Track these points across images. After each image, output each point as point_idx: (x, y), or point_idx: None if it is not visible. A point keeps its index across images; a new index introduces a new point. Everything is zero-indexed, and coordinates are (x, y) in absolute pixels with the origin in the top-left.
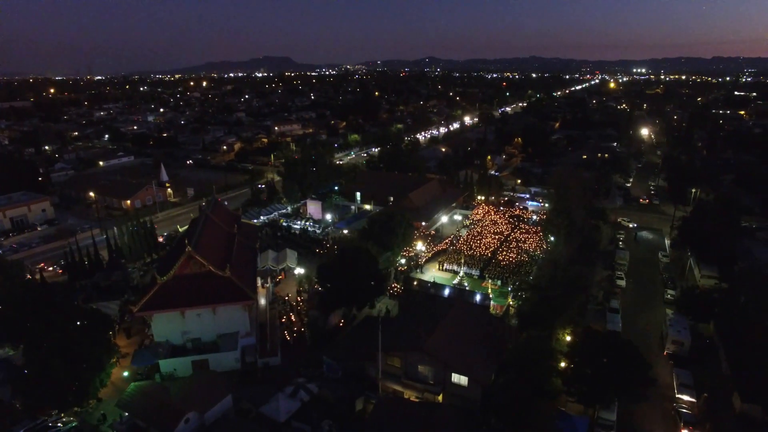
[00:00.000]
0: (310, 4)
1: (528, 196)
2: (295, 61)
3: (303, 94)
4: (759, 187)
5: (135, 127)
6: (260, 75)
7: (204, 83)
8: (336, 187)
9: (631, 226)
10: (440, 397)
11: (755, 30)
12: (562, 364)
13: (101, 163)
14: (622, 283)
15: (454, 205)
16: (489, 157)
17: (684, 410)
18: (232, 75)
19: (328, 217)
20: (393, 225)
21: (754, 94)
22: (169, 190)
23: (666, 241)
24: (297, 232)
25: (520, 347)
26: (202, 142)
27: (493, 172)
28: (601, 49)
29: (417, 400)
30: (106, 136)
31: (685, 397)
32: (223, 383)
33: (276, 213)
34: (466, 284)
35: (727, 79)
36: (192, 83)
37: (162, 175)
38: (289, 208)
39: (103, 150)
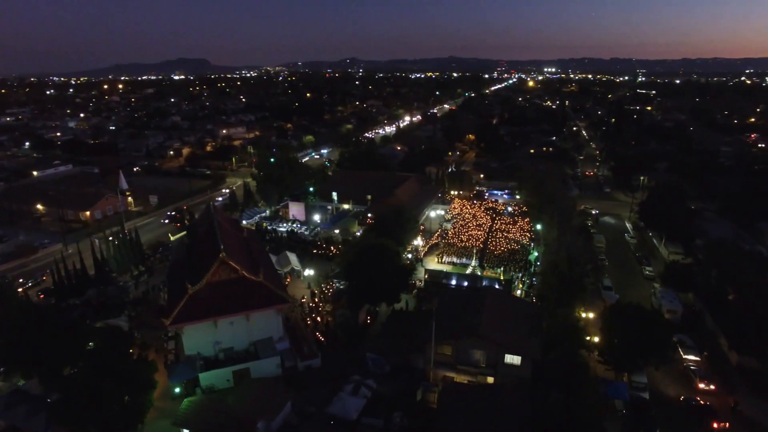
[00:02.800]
0: (226, 4)
1: (503, 190)
2: (213, 63)
3: (233, 97)
4: (690, 173)
5: (59, 134)
6: (177, 78)
7: (120, 86)
8: (311, 188)
9: (593, 212)
10: (491, 379)
11: (645, 35)
12: (595, 339)
13: (35, 173)
14: (606, 263)
15: (434, 200)
16: (450, 153)
17: (693, 368)
18: (145, 78)
19: (316, 217)
20: (402, 221)
21: (654, 92)
22: (129, 198)
23: (627, 225)
24: (284, 234)
25: (555, 325)
26: (146, 147)
27: (453, 168)
28: (514, 49)
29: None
30: (27, 143)
31: (691, 357)
32: (282, 389)
33: (257, 216)
34: (479, 273)
35: (626, 78)
36: (106, 86)
37: (121, 183)
38: (267, 211)
39: (33, 159)
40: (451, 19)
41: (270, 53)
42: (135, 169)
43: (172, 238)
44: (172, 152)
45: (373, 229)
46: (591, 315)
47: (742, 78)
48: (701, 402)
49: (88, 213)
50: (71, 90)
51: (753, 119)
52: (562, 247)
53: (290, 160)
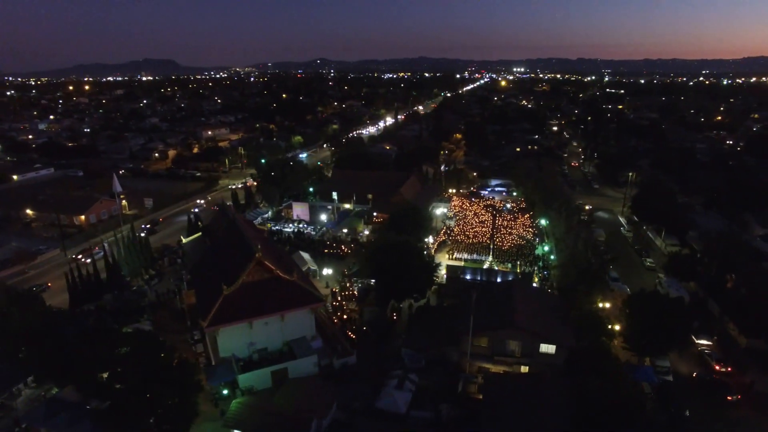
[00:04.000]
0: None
1: (499, 188)
2: (180, 63)
3: (207, 98)
4: (672, 170)
5: (30, 136)
6: (145, 79)
7: (86, 87)
8: (311, 188)
9: (587, 207)
10: (525, 368)
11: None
12: (616, 327)
13: (15, 177)
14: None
15: (436, 198)
16: (442, 152)
17: (707, 351)
18: (110, 79)
19: (323, 217)
20: (419, 218)
21: (622, 91)
22: (124, 201)
23: (621, 219)
24: (290, 235)
25: (579, 315)
26: (129, 150)
27: (444, 167)
28: (483, 49)
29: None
30: None
31: (703, 342)
32: (329, 387)
33: (260, 217)
34: (495, 267)
35: (593, 78)
36: (71, 87)
37: (115, 186)
38: (270, 212)
39: (9, 163)
40: (421, 20)
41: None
42: (120, 172)
43: (184, 240)
44: (156, 154)
45: (391, 227)
46: (608, 305)
47: (701, 78)
48: (715, 377)
49: (83, 217)
50: (33, 91)
51: (719, 117)
52: (579, 240)
53: (291, 161)
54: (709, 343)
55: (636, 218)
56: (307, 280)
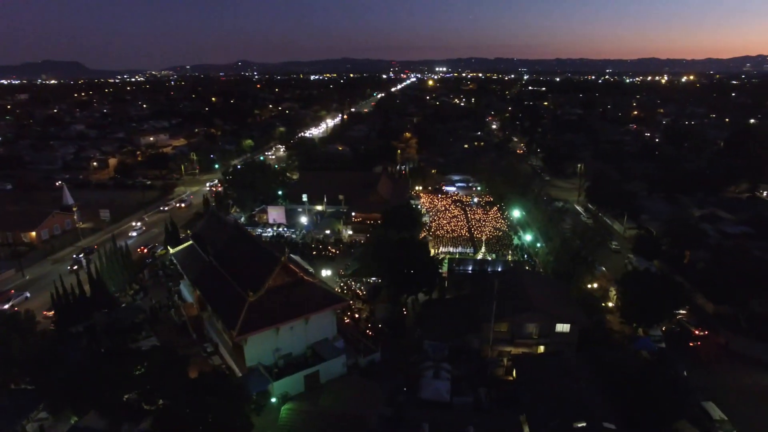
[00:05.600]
0: (99, 4)
1: (459, 183)
2: (88, 66)
3: (130, 103)
4: (611, 160)
5: None
6: (49, 82)
7: None
8: (279, 192)
9: (544, 198)
10: (542, 348)
11: (524, 37)
12: (609, 304)
13: None
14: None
15: (407, 195)
16: (399, 151)
17: (684, 320)
18: (5, 82)
19: (303, 220)
20: (414, 215)
21: (543, 88)
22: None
23: (578, 208)
24: (269, 239)
25: (581, 295)
26: (62, 159)
27: (404, 166)
28: (405, 50)
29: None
30: None
31: (680, 311)
32: (368, 384)
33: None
34: (489, 258)
35: (512, 76)
36: None
37: (66, 198)
38: (243, 217)
39: None
40: (343, 21)
41: (154, 57)
42: (57, 183)
43: (172, 251)
44: (95, 163)
45: (386, 224)
46: (595, 285)
47: (606, 77)
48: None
49: (33, 234)
50: None
51: (636, 112)
52: (569, 228)
53: (263, 165)
54: (684, 312)
55: (590, 206)
56: (323, 281)
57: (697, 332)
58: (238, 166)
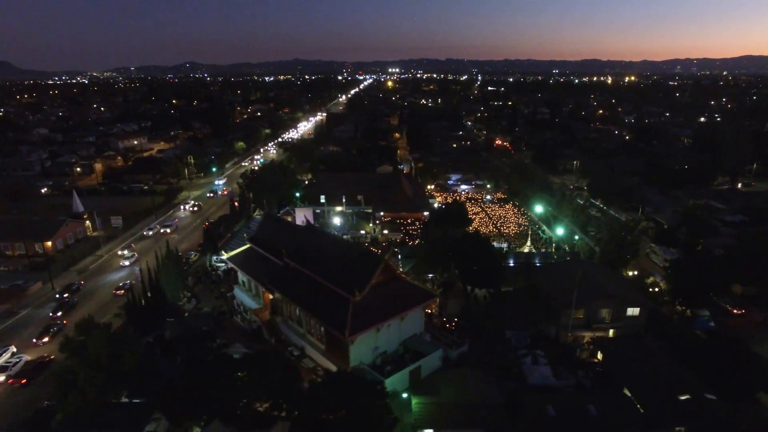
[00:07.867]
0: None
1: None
2: (18, 66)
3: (84, 105)
4: (596, 156)
5: None
6: None
7: None
8: (297, 194)
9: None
10: (612, 332)
11: (475, 38)
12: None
13: None
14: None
15: (427, 194)
16: (399, 152)
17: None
18: None
19: (336, 220)
20: (464, 212)
21: (503, 89)
22: (87, 222)
23: (580, 202)
24: None
25: (635, 282)
26: (41, 165)
27: (401, 166)
28: (357, 51)
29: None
30: None
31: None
32: (478, 374)
33: None
34: (534, 251)
35: (465, 77)
36: None
37: (76, 206)
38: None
39: None
40: (293, 22)
41: (93, 57)
42: (43, 191)
43: (225, 255)
44: (79, 169)
45: (440, 222)
46: (636, 272)
47: (554, 77)
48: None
49: (49, 243)
50: None
51: (600, 111)
52: (612, 219)
53: (283, 168)
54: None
55: (592, 200)
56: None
57: (735, 311)
58: (255, 168)
